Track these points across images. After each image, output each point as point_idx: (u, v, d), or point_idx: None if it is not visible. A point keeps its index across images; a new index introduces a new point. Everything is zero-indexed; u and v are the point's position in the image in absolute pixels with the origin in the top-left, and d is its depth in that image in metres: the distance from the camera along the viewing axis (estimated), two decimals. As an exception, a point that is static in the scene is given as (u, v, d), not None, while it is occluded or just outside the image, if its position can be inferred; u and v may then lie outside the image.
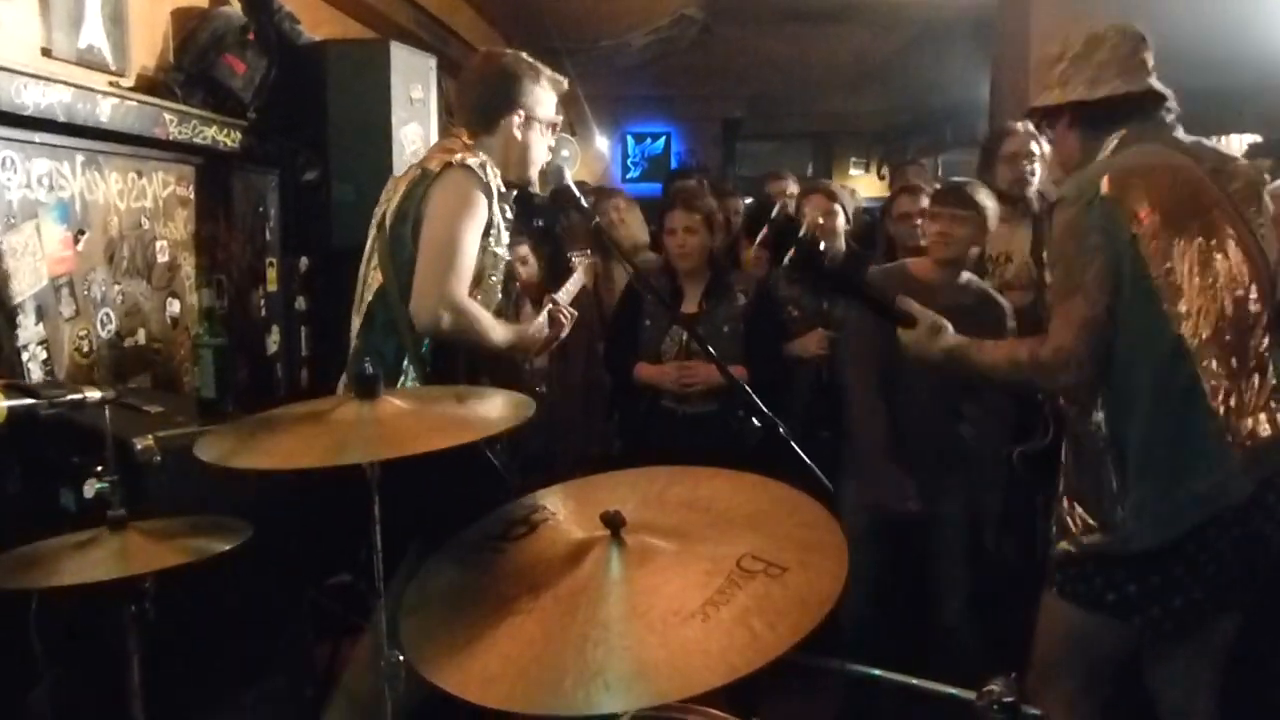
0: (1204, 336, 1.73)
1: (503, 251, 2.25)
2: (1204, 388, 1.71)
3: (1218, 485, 1.70)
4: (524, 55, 2.32)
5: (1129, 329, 1.77)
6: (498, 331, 2.19)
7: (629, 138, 11.11)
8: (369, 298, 2.22)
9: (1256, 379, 1.76)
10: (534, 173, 2.35)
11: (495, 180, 2.19)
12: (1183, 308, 1.73)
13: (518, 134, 2.25)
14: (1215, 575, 1.73)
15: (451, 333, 2.07)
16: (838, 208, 3.36)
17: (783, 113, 11.23)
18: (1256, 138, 5.84)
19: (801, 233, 2.07)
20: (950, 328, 2.02)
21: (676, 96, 10.49)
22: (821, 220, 3.28)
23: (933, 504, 2.73)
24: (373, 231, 2.26)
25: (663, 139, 11.12)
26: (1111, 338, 1.77)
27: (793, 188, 4.14)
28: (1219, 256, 1.76)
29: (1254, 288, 1.79)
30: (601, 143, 10.33)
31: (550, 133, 2.35)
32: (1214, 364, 1.72)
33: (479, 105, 2.25)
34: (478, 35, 6.32)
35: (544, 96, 2.29)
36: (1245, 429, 1.72)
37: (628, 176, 10.99)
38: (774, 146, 12.34)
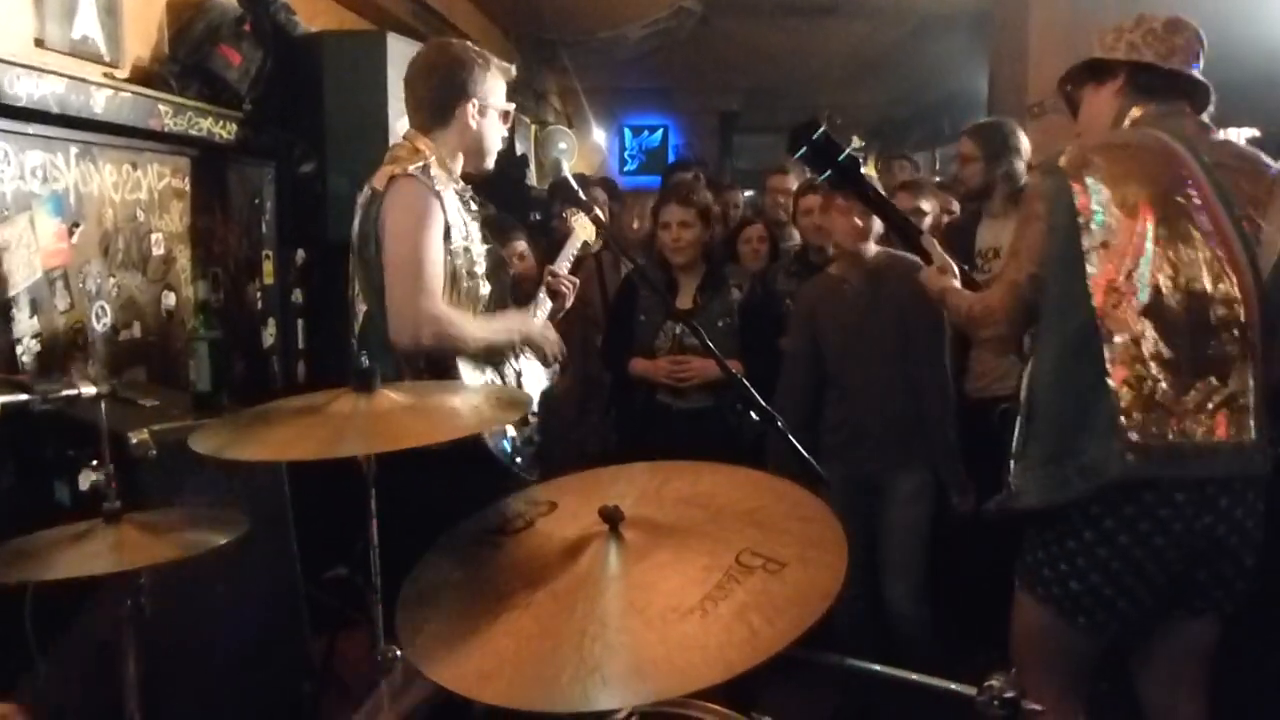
0: (1129, 318, 1.72)
1: (474, 245, 2.22)
2: (1108, 368, 1.71)
3: (1099, 461, 1.71)
4: (471, 44, 2.29)
5: (1050, 297, 1.82)
6: (484, 329, 2.17)
7: (626, 130, 11.08)
8: (359, 322, 2.21)
9: (1211, 380, 1.72)
10: (490, 161, 2.32)
11: (446, 177, 2.17)
12: (1103, 285, 1.73)
13: (473, 123, 2.22)
14: (1156, 573, 1.72)
15: (434, 346, 2.06)
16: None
17: (780, 105, 11.19)
18: (1254, 132, 5.83)
19: (842, 156, 2.17)
20: (956, 275, 2.14)
21: (674, 89, 10.46)
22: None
23: (886, 484, 2.77)
24: (349, 256, 2.24)
25: (660, 131, 11.10)
26: (1035, 304, 1.84)
27: (793, 184, 4.13)
28: (1179, 249, 1.75)
29: (1224, 288, 1.75)
30: (599, 135, 10.30)
31: (503, 120, 2.31)
32: (1135, 348, 1.71)
33: (431, 97, 2.21)
34: (474, 27, 6.30)
35: (495, 84, 2.26)
36: (1170, 425, 1.70)
37: (625, 169, 10.97)
38: (772, 139, 12.28)
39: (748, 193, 5.83)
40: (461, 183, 2.25)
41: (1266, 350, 1.77)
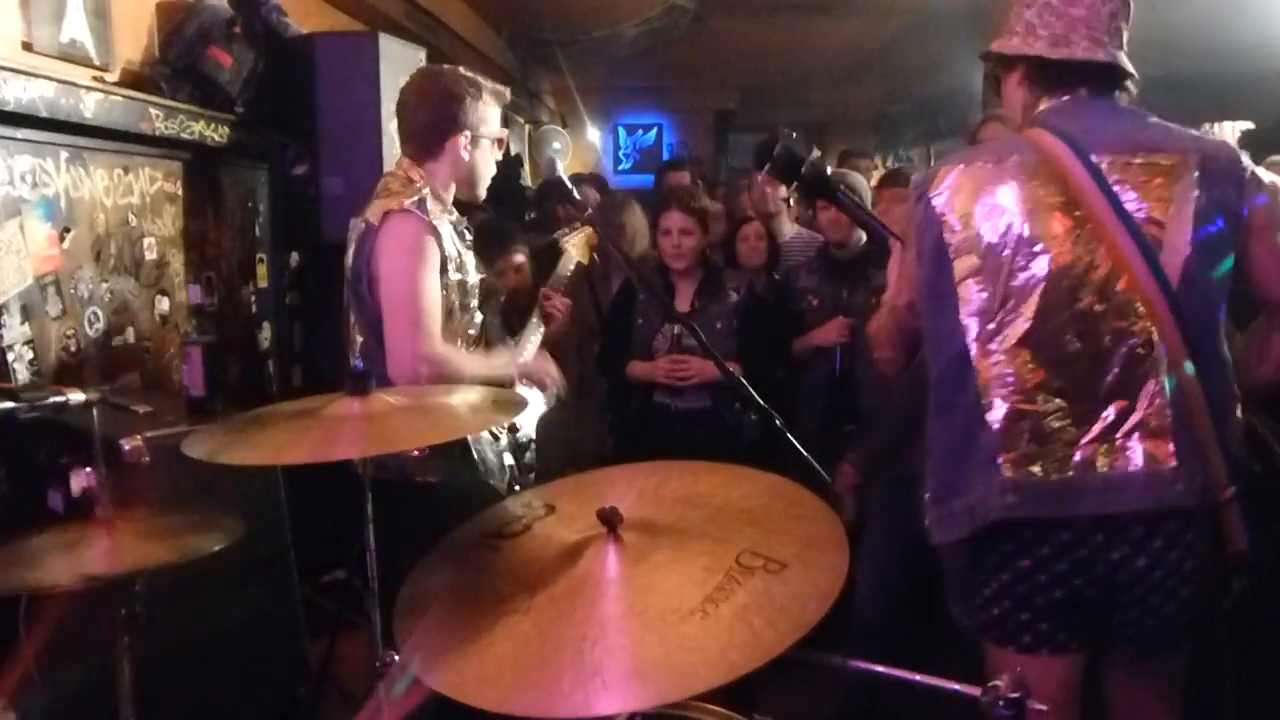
0: (1009, 348, 1.59)
1: (469, 276, 2.21)
2: (984, 402, 1.60)
3: (981, 501, 1.60)
4: (463, 71, 2.26)
5: (927, 328, 1.73)
6: (481, 367, 2.16)
7: (621, 129, 11.08)
8: (357, 354, 2.19)
9: (1115, 406, 1.57)
10: (482, 190, 2.31)
11: (441, 209, 2.15)
12: (975, 316, 1.61)
13: (465, 154, 2.20)
14: (1063, 600, 1.61)
15: (432, 385, 2.03)
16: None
17: (775, 103, 11.19)
18: (1249, 125, 5.83)
19: (804, 167, 2.26)
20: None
21: (669, 87, 10.46)
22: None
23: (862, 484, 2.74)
24: (345, 288, 2.22)
25: (655, 130, 11.10)
26: (916, 330, 1.77)
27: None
28: (1063, 266, 1.59)
29: (1120, 305, 1.58)
30: (593, 134, 10.30)
31: (496, 148, 2.30)
32: (1016, 379, 1.59)
33: (423, 130, 2.19)
34: (467, 27, 6.28)
35: (488, 113, 2.24)
36: (1061, 457, 1.57)
37: (620, 168, 10.97)
38: (767, 137, 12.29)
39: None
40: (455, 213, 2.23)
41: (1203, 358, 1.58)
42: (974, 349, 1.62)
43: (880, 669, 1.18)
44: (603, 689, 0.92)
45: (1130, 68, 1.71)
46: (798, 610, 1.01)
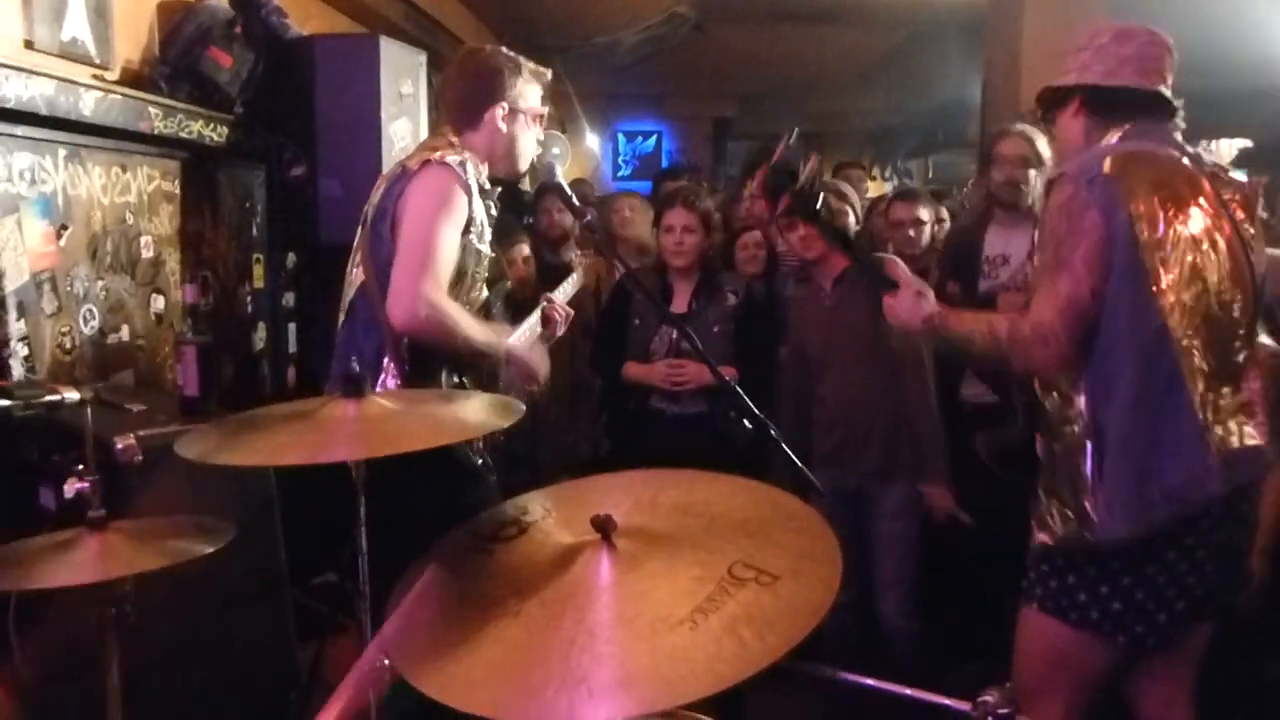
0: (1189, 330, 1.71)
1: (485, 248, 2.23)
2: (1186, 381, 1.69)
3: (1191, 482, 1.68)
4: (505, 49, 2.31)
5: (1115, 312, 1.73)
6: (476, 330, 2.16)
7: (620, 136, 11.09)
8: (351, 294, 2.20)
9: (1229, 389, 1.74)
10: (523, 165, 2.34)
11: (478, 177, 2.18)
12: (1171, 297, 1.71)
13: (503, 126, 2.24)
14: (1195, 585, 1.71)
15: (427, 331, 2.05)
16: (847, 208, 3.33)
17: (774, 112, 11.21)
18: (1247, 142, 5.85)
19: (799, 183, 2.15)
20: (931, 294, 2.03)
21: (668, 95, 10.48)
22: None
23: (873, 494, 2.77)
24: (360, 229, 2.23)
25: (654, 137, 11.11)
26: (1094, 320, 1.74)
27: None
28: (1211, 256, 1.75)
29: (1240, 297, 1.78)
30: (593, 141, 10.29)
31: (537, 124, 2.33)
32: (1196, 360, 1.71)
33: (462, 100, 2.24)
34: (467, 31, 6.29)
35: (527, 89, 2.28)
36: (1220, 434, 1.71)
37: (619, 175, 10.98)
38: (761, 145, 12.32)
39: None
40: (488, 184, 2.25)
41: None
42: (1173, 326, 1.71)
43: (869, 682, 1.18)
44: (588, 696, 0.92)
45: (1176, 102, 1.90)
46: (787, 624, 1.00)
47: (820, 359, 2.88)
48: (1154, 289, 1.71)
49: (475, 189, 2.14)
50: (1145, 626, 1.72)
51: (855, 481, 2.76)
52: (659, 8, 6.84)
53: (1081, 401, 1.77)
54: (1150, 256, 1.71)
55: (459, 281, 2.14)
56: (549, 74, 2.37)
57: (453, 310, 2.08)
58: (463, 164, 2.12)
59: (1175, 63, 1.92)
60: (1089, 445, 1.75)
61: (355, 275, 2.20)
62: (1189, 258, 1.73)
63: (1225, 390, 1.74)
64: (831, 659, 1.36)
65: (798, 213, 2.20)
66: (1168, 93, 1.90)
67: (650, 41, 7.35)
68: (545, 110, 2.35)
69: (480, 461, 2.22)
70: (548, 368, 2.43)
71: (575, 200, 2.38)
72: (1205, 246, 1.75)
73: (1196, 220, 1.76)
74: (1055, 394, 1.84)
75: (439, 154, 2.12)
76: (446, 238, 2.06)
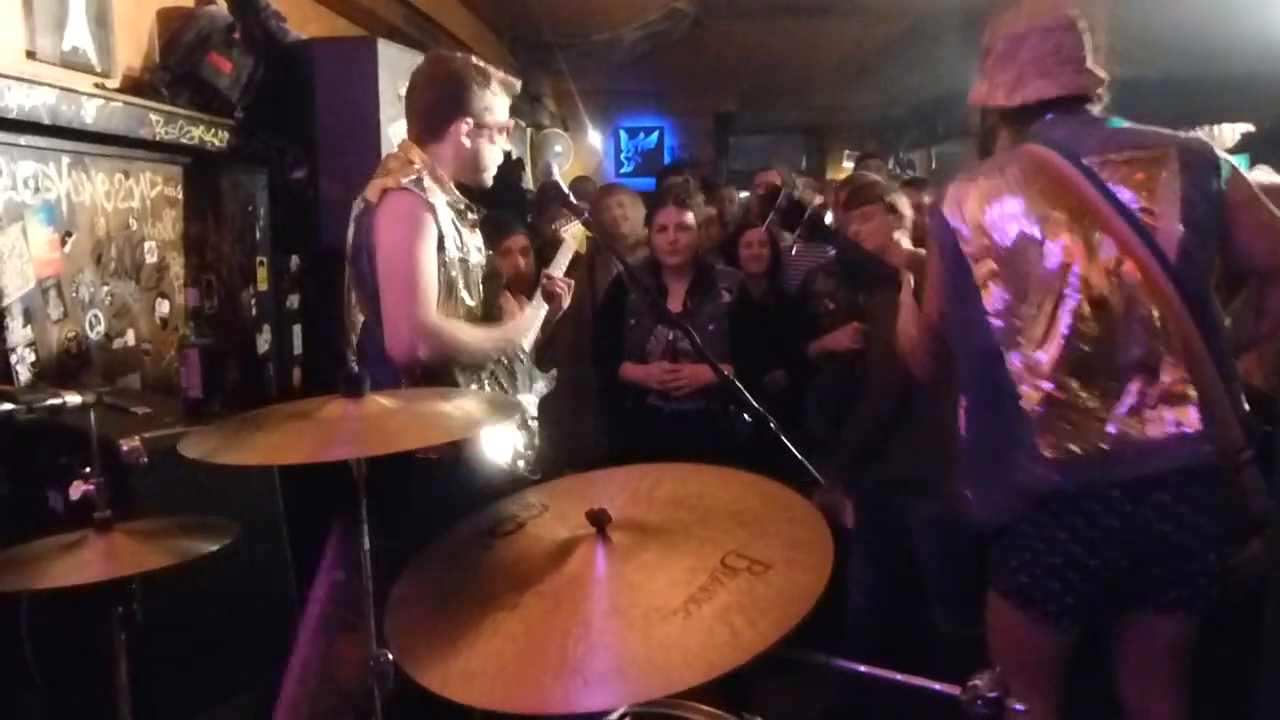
0: (1035, 338, 1.74)
1: (469, 256, 2.22)
2: (1018, 390, 1.75)
3: (1030, 480, 1.74)
4: (474, 59, 2.28)
5: (955, 330, 1.89)
6: (480, 339, 2.18)
7: (622, 132, 11.09)
8: (358, 332, 2.21)
9: (1140, 380, 1.72)
10: (487, 178, 2.32)
11: (440, 186, 2.16)
12: (1008, 310, 1.77)
13: (466, 141, 2.21)
14: (1099, 569, 1.74)
15: (431, 359, 2.06)
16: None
17: (775, 106, 11.22)
18: (1249, 127, 5.83)
19: (808, 213, 2.39)
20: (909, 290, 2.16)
21: (669, 91, 10.48)
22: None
23: (927, 499, 2.72)
24: (347, 264, 2.24)
25: (656, 133, 11.12)
26: (948, 337, 1.91)
27: (776, 178, 4.16)
28: (1069, 260, 1.74)
29: (1129, 289, 1.72)
30: (595, 138, 10.31)
31: (503, 136, 2.31)
32: (1045, 366, 1.73)
33: (427, 110, 2.21)
34: (467, 31, 6.30)
35: (495, 102, 2.25)
36: (1096, 431, 1.71)
37: (621, 171, 10.98)
38: (767, 140, 12.33)
39: (743, 194, 5.84)
40: (456, 193, 2.24)
41: (1207, 327, 1.73)
42: (1003, 344, 1.77)
43: (862, 668, 1.20)
44: (583, 686, 0.94)
45: (1093, 81, 1.87)
46: (779, 611, 1.02)
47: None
48: (984, 305, 1.79)
49: (439, 201, 2.13)
50: (1055, 605, 1.78)
51: (899, 481, 2.74)
52: (659, 4, 6.84)
53: (956, 404, 1.93)
54: (981, 274, 1.79)
55: (450, 294, 2.15)
56: (518, 84, 2.34)
57: (450, 329, 2.10)
58: (418, 181, 2.09)
59: (1085, 26, 1.88)
60: (960, 442, 1.92)
61: (356, 314, 2.22)
62: (1040, 265, 1.75)
63: (1121, 385, 1.72)
64: (854, 657, 1.36)
65: (809, 237, 2.41)
66: (1081, 84, 1.86)
67: (651, 38, 7.35)
68: (513, 123, 2.33)
69: (522, 464, 2.23)
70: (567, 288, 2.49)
71: (572, 198, 2.39)
72: (1059, 250, 1.74)
73: (1049, 224, 1.76)
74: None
75: (394, 179, 2.10)
76: (423, 262, 2.05)
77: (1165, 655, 1.85)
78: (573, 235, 2.80)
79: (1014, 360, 1.76)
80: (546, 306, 2.57)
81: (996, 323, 1.78)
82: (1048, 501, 1.75)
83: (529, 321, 2.51)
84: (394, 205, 2.07)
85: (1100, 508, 1.72)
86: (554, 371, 2.52)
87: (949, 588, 2.72)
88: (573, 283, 2.66)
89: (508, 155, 2.50)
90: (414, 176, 2.10)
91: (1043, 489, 1.74)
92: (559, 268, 2.69)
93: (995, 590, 1.88)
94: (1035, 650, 1.85)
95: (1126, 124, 1.86)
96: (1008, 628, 1.87)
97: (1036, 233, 1.76)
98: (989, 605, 1.90)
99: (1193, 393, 1.71)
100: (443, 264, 2.12)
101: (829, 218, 2.91)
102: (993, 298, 1.78)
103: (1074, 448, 1.71)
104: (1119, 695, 1.91)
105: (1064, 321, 1.73)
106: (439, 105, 2.19)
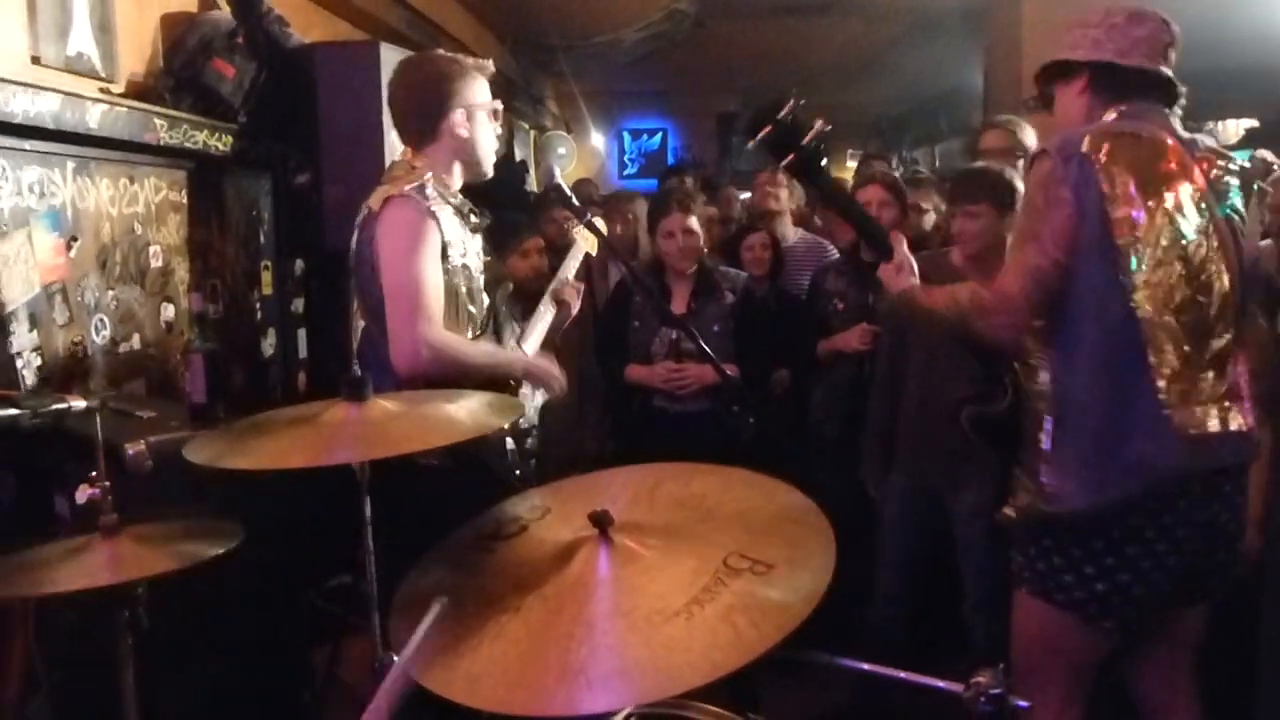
0: (1157, 310, 1.72)
1: (472, 261, 2.21)
2: (1149, 359, 1.71)
3: (1147, 457, 1.69)
4: (443, 52, 2.27)
5: (1082, 288, 1.76)
6: (484, 356, 2.16)
7: (625, 134, 11.10)
8: (358, 339, 2.21)
9: (1211, 374, 1.75)
10: (488, 167, 2.29)
11: (443, 194, 2.15)
12: (1140, 277, 1.72)
13: (462, 131, 2.18)
14: (1176, 566, 1.73)
15: (433, 371, 2.04)
16: (892, 198, 3.30)
17: (778, 105, 11.19)
18: (1253, 122, 5.82)
19: (805, 140, 2.04)
20: (916, 275, 2.07)
21: (672, 91, 10.49)
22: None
23: (950, 498, 2.70)
24: (352, 274, 2.23)
25: (659, 135, 11.12)
26: (1058, 292, 1.77)
27: (781, 179, 4.15)
28: (1189, 240, 1.75)
29: (1223, 283, 1.78)
30: (598, 139, 10.32)
31: (494, 119, 2.27)
32: (1163, 339, 1.72)
33: (415, 115, 2.19)
34: (469, 34, 6.32)
35: (475, 85, 2.22)
36: (1191, 418, 1.71)
37: (625, 173, 10.99)
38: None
39: (744, 195, 5.84)
40: (460, 197, 2.23)
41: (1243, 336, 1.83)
42: (1140, 310, 1.72)
43: (865, 666, 1.20)
44: (586, 688, 0.94)
45: (1180, 90, 1.91)
46: (781, 611, 1.02)
47: (903, 354, 2.78)
48: (1122, 269, 1.72)
49: (442, 209, 2.11)
50: (1132, 608, 1.75)
51: (932, 481, 2.69)
52: (659, 5, 6.85)
53: (1045, 376, 1.82)
54: (1121, 237, 1.73)
55: (452, 303, 2.13)
56: (491, 66, 2.30)
57: (455, 343, 2.09)
58: (421, 189, 2.08)
59: (1179, 48, 1.94)
60: (1049, 418, 1.80)
61: (358, 323, 2.21)
62: (1163, 240, 1.74)
63: (1204, 375, 1.74)
64: (872, 659, 1.36)
65: (800, 172, 2.10)
66: (1175, 81, 1.91)
67: (652, 39, 7.36)
68: (499, 104, 2.29)
69: (517, 473, 2.23)
70: (559, 372, 2.43)
71: (575, 201, 2.39)
72: (1184, 230, 1.75)
73: (1176, 203, 1.76)
74: (1026, 367, 1.89)
75: (396, 187, 2.09)
76: (427, 273, 2.04)
77: (1188, 646, 1.86)
78: (583, 237, 2.80)
79: (1148, 326, 1.72)
80: (554, 311, 2.57)
81: (1129, 284, 1.72)
82: (1155, 488, 1.71)
83: (534, 330, 2.51)
84: (395, 214, 2.06)
85: (1187, 504, 1.72)
86: (556, 390, 2.49)
87: (989, 584, 2.60)
88: (583, 287, 2.66)
89: (510, 158, 2.50)
90: (417, 184, 2.09)
91: (1173, 465, 1.70)
92: (569, 270, 2.69)
93: (1047, 601, 1.81)
94: (1079, 657, 1.82)
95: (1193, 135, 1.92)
96: (1060, 637, 1.81)
97: (1169, 203, 1.76)
98: (1030, 613, 1.85)
99: (1247, 392, 1.78)
100: (447, 272, 2.10)
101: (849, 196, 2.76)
102: (1135, 261, 1.73)
103: (1193, 430, 1.71)
104: (1138, 691, 1.91)
105: (1185, 298, 1.74)
106: (426, 105, 2.17)
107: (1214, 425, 1.72)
